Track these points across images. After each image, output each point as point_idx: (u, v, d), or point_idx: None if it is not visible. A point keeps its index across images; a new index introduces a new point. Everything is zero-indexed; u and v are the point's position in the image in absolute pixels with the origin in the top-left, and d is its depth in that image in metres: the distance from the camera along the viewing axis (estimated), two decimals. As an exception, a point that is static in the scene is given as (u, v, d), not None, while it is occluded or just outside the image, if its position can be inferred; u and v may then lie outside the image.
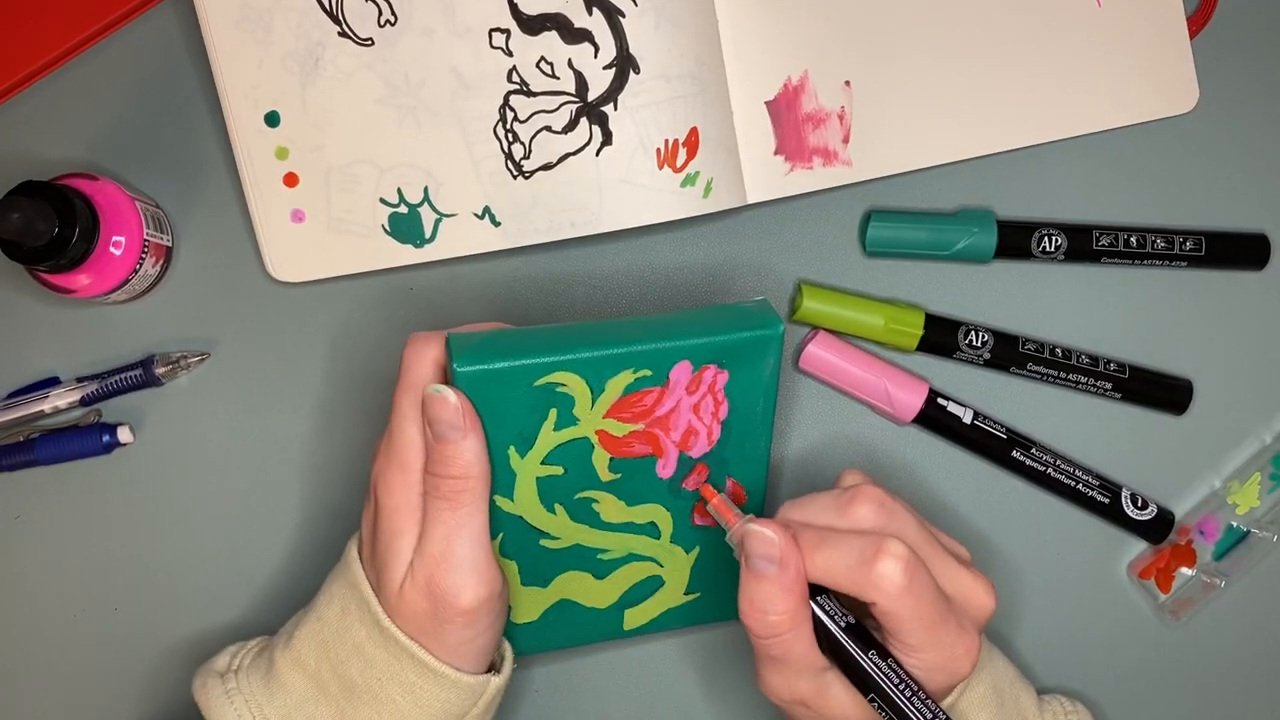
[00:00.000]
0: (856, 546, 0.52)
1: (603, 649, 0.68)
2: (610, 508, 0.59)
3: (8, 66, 0.64)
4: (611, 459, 0.58)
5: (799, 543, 0.52)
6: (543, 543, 0.60)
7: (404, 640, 0.54)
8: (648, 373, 0.56)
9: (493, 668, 0.58)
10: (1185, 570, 0.69)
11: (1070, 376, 0.68)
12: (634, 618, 0.63)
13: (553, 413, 0.56)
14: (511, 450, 0.56)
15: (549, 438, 0.56)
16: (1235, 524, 0.69)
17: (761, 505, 0.62)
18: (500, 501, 0.58)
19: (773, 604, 0.52)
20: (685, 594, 0.63)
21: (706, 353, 0.56)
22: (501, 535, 0.59)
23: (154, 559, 0.67)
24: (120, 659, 0.66)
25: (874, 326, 0.67)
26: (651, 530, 0.61)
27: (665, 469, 0.59)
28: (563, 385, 0.55)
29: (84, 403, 0.65)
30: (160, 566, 0.67)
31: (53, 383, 0.66)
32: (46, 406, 0.65)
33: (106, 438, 0.65)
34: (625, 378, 0.56)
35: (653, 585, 0.63)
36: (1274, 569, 0.70)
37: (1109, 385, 0.68)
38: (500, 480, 0.57)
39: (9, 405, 0.65)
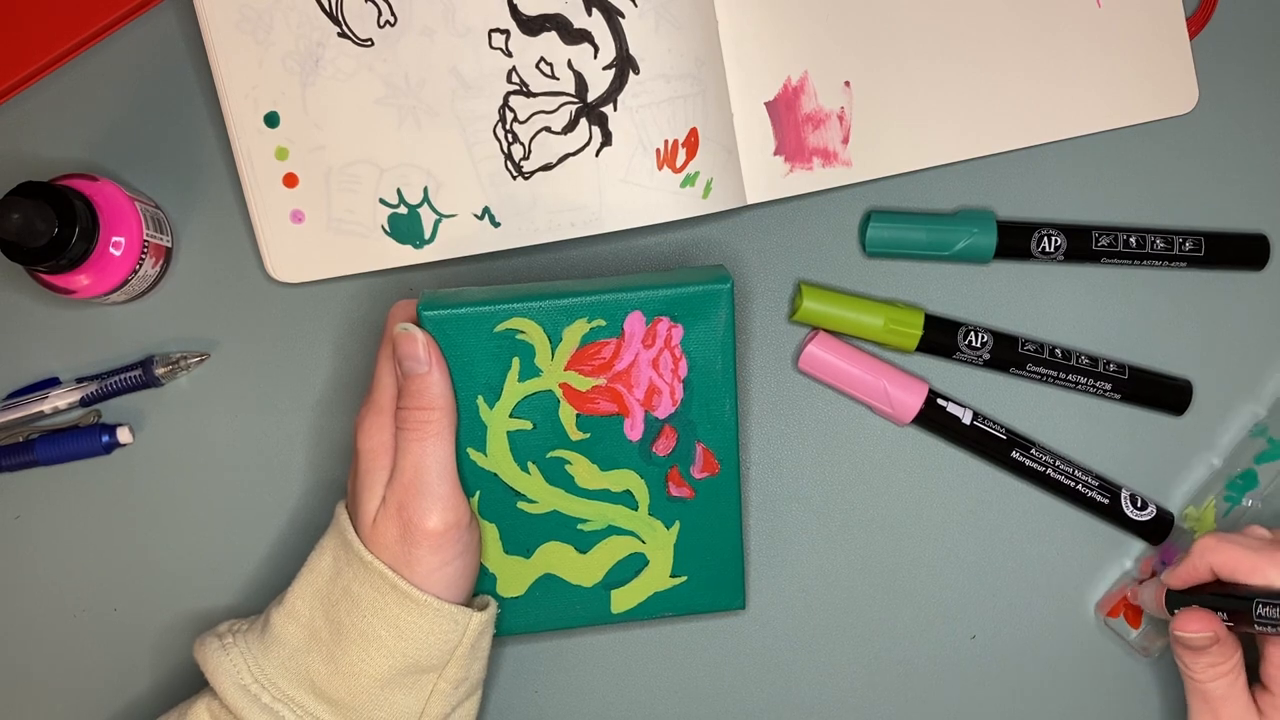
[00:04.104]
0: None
1: (602, 649, 0.68)
2: (584, 471, 0.62)
3: (8, 66, 0.64)
4: (578, 415, 0.61)
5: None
6: (520, 505, 0.62)
7: (380, 567, 0.57)
8: (602, 322, 0.60)
9: None
10: None
11: (1069, 377, 0.68)
12: (621, 600, 0.64)
13: (515, 362, 0.60)
14: (480, 401, 0.60)
15: (515, 388, 0.61)
16: None
17: (736, 473, 0.63)
18: (474, 456, 0.61)
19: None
20: (672, 576, 0.64)
21: (657, 304, 0.60)
22: (479, 493, 0.62)
23: (154, 559, 0.67)
24: (120, 659, 0.66)
25: (874, 327, 0.67)
26: (628, 500, 0.63)
27: (633, 430, 0.62)
28: (522, 332, 0.60)
29: (84, 403, 0.65)
30: (160, 566, 0.67)
31: (53, 383, 0.66)
32: (46, 407, 0.65)
33: (106, 438, 0.65)
34: (581, 326, 0.60)
35: (637, 564, 0.64)
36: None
37: (1108, 386, 0.68)
38: (472, 432, 0.61)
39: (9, 406, 0.65)
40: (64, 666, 0.66)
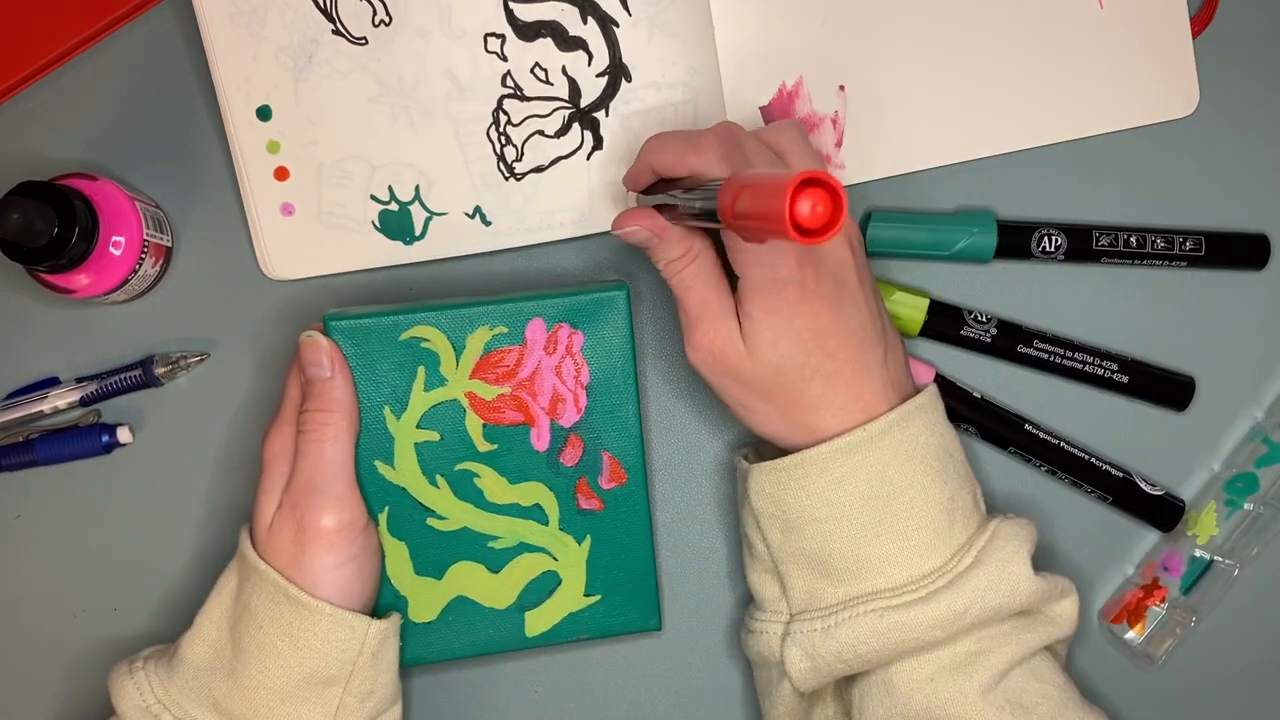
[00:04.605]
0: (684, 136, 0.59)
1: (602, 652, 0.68)
2: (492, 484, 0.62)
3: (8, 66, 0.65)
4: (485, 425, 0.62)
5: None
6: (430, 522, 0.62)
7: (272, 575, 0.57)
8: (504, 329, 0.61)
9: None
10: (1156, 608, 0.67)
11: (1076, 355, 0.67)
12: (536, 622, 0.64)
13: (421, 371, 0.61)
14: (387, 411, 0.61)
15: (421, 398, 0.61)
16: (1198, 554, 0.67)
17: (644, 484, 0.63)
18: (382, 469, 0.61)
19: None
20: (586, 595, 0.64)
21: (557, 311, 0.62)
22: (388, 509, 0.62)
23: (154, 559, 0.67)
24: (120, 659, 0.66)
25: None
26: (538, 515, 0.63)
27: (540, 439, 0.62)
28: (426, 340, 0.61)
29: (84, 403, 0.66)
30: (160, 567, 0.67)
31: (52, 383, 0.66)
32: (46, 407, 0.65)
33: (106, 438, 0.65)
34: (483, 334, 0.61)
35: (550, 583, 0.63)
36: (1242, 598, 0.69)
37: (1115, 366, 0.67)
38: (379, 444, 0.61)
39: (9, 405, 0.66)
40: (64, 666, 0.67)
